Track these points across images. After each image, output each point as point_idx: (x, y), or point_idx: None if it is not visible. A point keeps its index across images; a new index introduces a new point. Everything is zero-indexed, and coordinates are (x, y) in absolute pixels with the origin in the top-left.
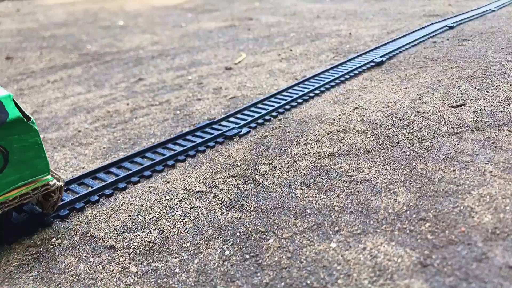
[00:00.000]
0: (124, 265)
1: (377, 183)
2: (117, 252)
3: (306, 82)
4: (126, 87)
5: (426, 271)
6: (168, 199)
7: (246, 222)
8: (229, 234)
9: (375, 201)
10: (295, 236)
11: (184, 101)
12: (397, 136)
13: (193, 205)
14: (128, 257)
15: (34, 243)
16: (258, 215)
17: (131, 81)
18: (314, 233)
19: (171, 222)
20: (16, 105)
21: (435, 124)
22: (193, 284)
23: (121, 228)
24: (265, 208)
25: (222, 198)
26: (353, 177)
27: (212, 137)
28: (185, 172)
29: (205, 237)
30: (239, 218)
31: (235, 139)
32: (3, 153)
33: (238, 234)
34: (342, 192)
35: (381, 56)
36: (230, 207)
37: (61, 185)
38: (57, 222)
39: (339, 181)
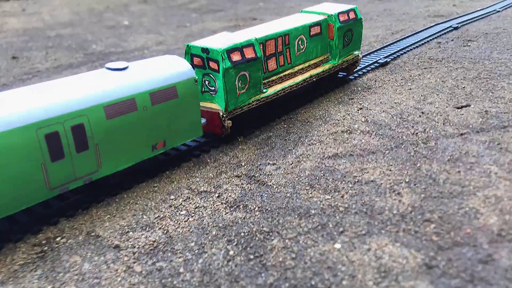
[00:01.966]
0: (129, 264)
1: (381, 184)
2: (121, 252)
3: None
4: None
5: (431, 273)
6: (172, 199)
7: (251, 222)
8: (233, 234)
9: (379, 202)
10: (299, 236)
11: None
12: (401, 137)
13: (197, 205)
14: (132, 257)
15: (39, 242)
16: (262, 215)
17: None
18: (318, 233)
19: (176, 221)
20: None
21: (440, 125)
22: (197, 284)
23: (125, 227)
24: (269, 208)
25: (227, 198)
26: (357, 177)
27: None
28: (190, 171)
29: (210, 237)
30: (244, 218)
31: (239, 139)
32: (352, 35)
33: (242, 234)
34: (347, 193)
35: (385, 57)
36: (235, 207)
37: (360, 57)
38: (63, 221)
39: (343, 182)
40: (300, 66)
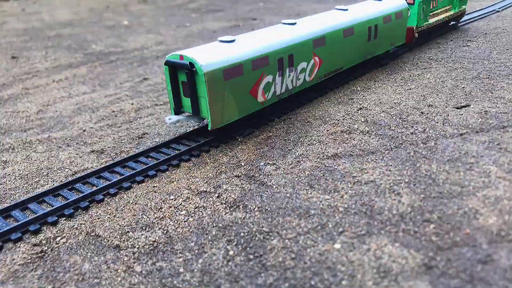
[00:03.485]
0: (129, 264)
1: (381, 184)
2: (121, 252)
3: None
4: (131, 87)
5: (431, 273)
6: (172, 199)
7: (250, 222)
8: (233, 234)
9: (379, 202)
10: (299, 236)
11: None
12: (401, 137)
13: (197, 205)
14: (132, 257)
15: (39, 242)
16: (262, 215)
17: (136, 80)
18: (318, 233)
19: (176, 221)
20: None
21: (439, 125)
22: (197, 284)
23: (125, 227)
24: (269, 209)
25: (226, 198)
26: (357, 178)
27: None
28: (190, 172)
29: (209, 237)
30: (243, 218)
31: (239, 139)
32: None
33: (242, 234)
34: (346, 193)
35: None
36: (234, 207)
37: (465, 11)
38: (63, 221)
39: (343, 182)
40: (440, 10)
